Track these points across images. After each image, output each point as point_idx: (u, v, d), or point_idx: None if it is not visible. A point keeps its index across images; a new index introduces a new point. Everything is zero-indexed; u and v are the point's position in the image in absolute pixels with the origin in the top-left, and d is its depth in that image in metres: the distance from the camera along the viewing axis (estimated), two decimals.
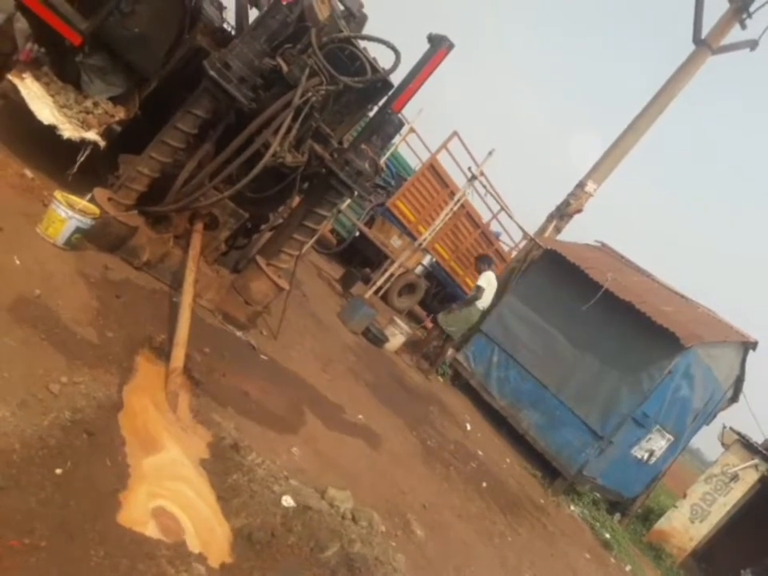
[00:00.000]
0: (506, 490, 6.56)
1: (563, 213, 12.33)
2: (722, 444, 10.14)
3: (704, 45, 11.94)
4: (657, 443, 9.04)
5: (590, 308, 8.53)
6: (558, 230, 12.35)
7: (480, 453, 7.04)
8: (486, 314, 9.48)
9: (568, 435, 8.34)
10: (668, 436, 9.14)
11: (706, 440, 12.22)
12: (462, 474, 5.87)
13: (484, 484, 6.09)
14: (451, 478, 5.57)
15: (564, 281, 9.13)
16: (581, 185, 12.23)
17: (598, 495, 8.92)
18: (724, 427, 10.35)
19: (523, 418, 8.73)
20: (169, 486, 2.52)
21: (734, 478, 9.46)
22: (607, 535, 7.95)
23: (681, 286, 10.37)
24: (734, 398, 10.47)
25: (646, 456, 9.06)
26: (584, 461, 8.09)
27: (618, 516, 9.50)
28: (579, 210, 12.32)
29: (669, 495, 14.05)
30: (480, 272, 9.51)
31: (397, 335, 8.31)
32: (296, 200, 5.02)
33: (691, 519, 9.61)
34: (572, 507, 8.05)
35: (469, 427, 7.80)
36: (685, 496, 9.88)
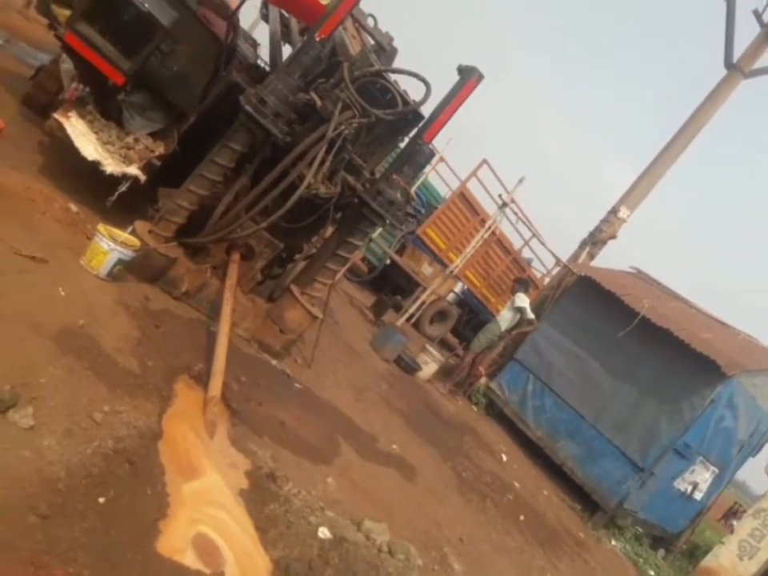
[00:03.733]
0: (545, 523, 6.38)
1: (596, 239, 12.23)
2: None
3: (736, 69, 11.86)
4: (701, 475, 8.71)
5: (627, 335, 8.36)
6: (591, 256, 12.24)
7: (516, 484, 6.89)
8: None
9: (607, 466, 8.11)
10: (712, 468, 8.81)
11: (751, 472, 11.76)
12: (499, 507, 5.74)
13: (522, 517, 5.94)
14: (488, 510, 5.45)
15: (599, 308, 8.98)
16: (614, 211, 12.15)
17: (640, 530, 8.61)
18: None
19: (560, 448, 8.53)
20: (209, 512, 2.53)
21: None
22: (651, 572, 7.66)
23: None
24: None
25: (689, 489, 8.73)
26: (625, 493, 7.84)
27: (662, 552, 9.14)
28: (613, 236, 12.22)
29: (715, 530, 13.48)
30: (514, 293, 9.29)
31: (429, 363, 8.26)
32: (329, 230, 5.08)
33: (739, 556, 9.14)
34: (613, 542, 7.78)
35: (504, 458, 7.65)
36: (732, 531, 9.46)
